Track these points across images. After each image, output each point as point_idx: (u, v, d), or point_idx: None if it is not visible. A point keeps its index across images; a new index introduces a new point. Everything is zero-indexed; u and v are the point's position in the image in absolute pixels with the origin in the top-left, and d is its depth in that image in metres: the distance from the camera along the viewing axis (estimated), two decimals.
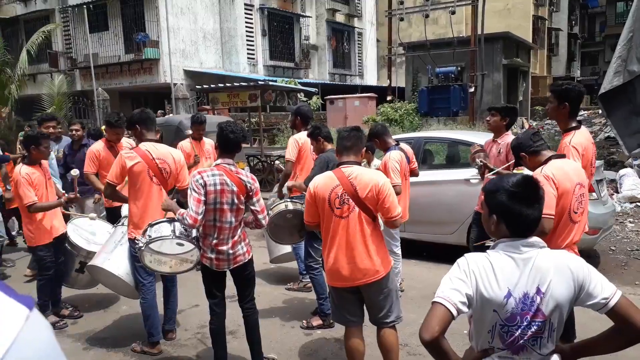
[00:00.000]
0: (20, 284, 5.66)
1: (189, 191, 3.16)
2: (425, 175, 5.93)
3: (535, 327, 1.64)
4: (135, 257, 3.68)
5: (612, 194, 8.06)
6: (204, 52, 20.23)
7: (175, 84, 17.83)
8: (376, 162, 5.28)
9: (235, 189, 3.20)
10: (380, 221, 3.12)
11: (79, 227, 4.65)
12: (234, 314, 3.84)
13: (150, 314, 3.81)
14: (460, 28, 21.95)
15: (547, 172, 2.82)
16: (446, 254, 5.85)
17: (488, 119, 4.61)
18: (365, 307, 3.17)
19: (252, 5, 21.08)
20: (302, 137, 4.77)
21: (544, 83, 24.75)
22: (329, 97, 16.94)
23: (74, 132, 5.90)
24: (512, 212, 1.69)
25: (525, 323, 1.64)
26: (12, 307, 0.71)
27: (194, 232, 3.38)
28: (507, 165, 4.10)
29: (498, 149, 4.47)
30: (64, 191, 5.28)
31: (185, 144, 6.02)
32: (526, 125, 18.10)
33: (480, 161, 4.19)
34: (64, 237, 4.50)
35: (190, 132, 6.36)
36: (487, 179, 4.47)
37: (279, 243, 4.61)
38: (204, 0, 20.08)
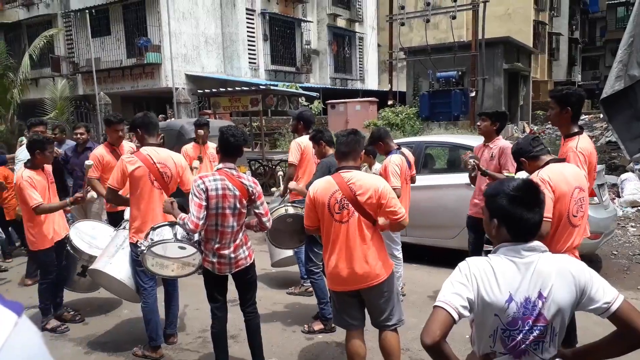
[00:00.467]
0: (22, 287, 5.66)
1: (190, 196, 3.16)
2: (427, 179, 5.94)
3: (537, 332, 1.64)
4: (136, 261, 3.69)
5: (614, 199, 8.05)
6: (206, 57, 20.29)
7: (177, 89, 17.87)
8: (377, 166, 5.29)
9: (237, 193, 3.20)
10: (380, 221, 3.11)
11: (81, 231, 4.66)
12: (235, 318, 3.84)
13: (151, 318, 3.81)
14: (461, 33, 21.99)
15: (543, 176, 2.83)
16: (447, 258, 5.86)
17: (479, 124, 4.66)
18: (366, 311, 3.17)
19: (254, 10, 21.15)
20: (304, 141, 4.81)
21: (545, 88, 24.75)
22: (330, 101, 16.96)
23: (78, 135, 5.91)
24: (513, 216, 1.69)
25: (527, 327, 1.64)
26: (1, 313, 0.71)
27: (196, 236, 3.39)
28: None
29: (490, 153, 4.52)
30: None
31: (189, 148, 6.04)
32: (527, 130, 18.12)
33: (473, 161, 4.22)
34: (65, 241, 4.50)
35: (193, 135, 6.37)
36: (479, 180, 4.50)
37: (279, 247, 4.62)
38: (205, 5, 20.15)
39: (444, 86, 17.04)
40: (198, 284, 3.63)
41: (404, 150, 4.89)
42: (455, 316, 1.59)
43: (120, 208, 4.96)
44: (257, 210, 3.34)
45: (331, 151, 4.20)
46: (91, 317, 4.76)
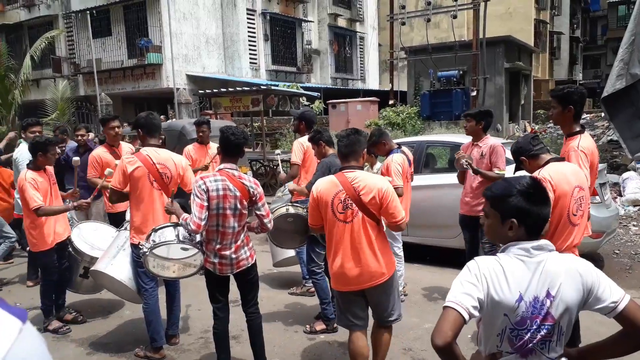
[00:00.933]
0: (24, 288, 5.67)
1: (192, 197, 3.16)
2: (428, 179, 5.93)
3: (544, 331, 1.64)
4: (137, 262, 3.69)
5: (616, 197, 8.04)
6: (207, 57, 20.29)
7: (178, 89, 17.89)
8: (378, 165, 5.28)
9: (238, 194, 3.20)
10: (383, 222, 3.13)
11: (83, 233, 4.66)
12: (237, 319, 3.84)
13: (153, 319, 3.81)
14: (462, 32, 21.97)
15: (544, 174, 2.83)
16: (449, 258, 5.85)
17: (465, 125, 4.70)
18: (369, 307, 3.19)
19: (255, 10, 21.15)
20: (307, 141, 4.81)
21: (546, 86, 24.72)
22: (331, 101, 16.95)
23: (79, 137, 5.92)
24: (532, 214, 1.68)
25: (534, 327, 1.63)
26: (5, 319, 0.71)
27: (198, 237, 3.39)
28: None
29: (480, 152, 4.55)
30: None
31: (191, 148, 6.04)
32: (528, 129, 18.09)
33: (466, 161, 4.24)
34: (67, 243, 4.50)
35: (194, 136, 6.37)
36: (469, 178, 4.50)
37: (280, 247, 4.64)
38: (206, 6, 20.16)
39: (445, 85, 17.02)
40: (200, 284, 3.64)
41: (404, 149, 4.91)
42: (466, 316, 1.58)
43: (120, 209, 4.97)
44: (258, 212, 3.34)
45: (331, 151, 4.21)
46: (93, 318, 4.76)
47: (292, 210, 4.20)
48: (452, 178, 5.90)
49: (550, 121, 7.81)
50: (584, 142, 3.19)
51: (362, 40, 27.32)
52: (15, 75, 15.39)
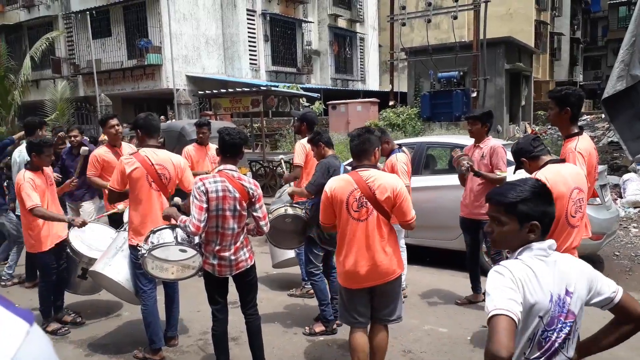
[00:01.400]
0: (22, 290, 5.66)
1: (191, 198, 3.15)
2: (428, 180, 5.92)
3: (567, 329, 1.65)
4: (135, 263, 3.67)
5: (616, 199, 8.03)
6: (207, 58, 20.30)
7: (177, 90, 17.88)
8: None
9: (237, 195, 3.19)
10: None
11: (81, 233, 4.65)
12: (236, 320, 3.83)
13: (151, 321, 3.79)
14: (462, 33, 21.99)
15: (540, 176, 2.81)
16: (449, 260, 5.84)
17: (469, 127, 4.64)
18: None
19: (255, 11, 21.15)
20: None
21: (547, 88, 24.72)
22: (331, 102, 16.95)
23: (72, 138, 5.91)
24: (548, 214, 1.72)
25: (560, 325, 1.64)
26: (13, 322, 0.71)
27: (197, 239, 3.38)
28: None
29: (481, 153, 4.53)
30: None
31: (190, 149, 6.04)
32: (529, 130, 18.08)
33: (467, 163, 4.22)
34: (65, 244, 4.49)
35: (194, 137, 6.38)
36: (470, 180, 4.49)
37: (277, 247, 4.69)
38: (206, 6, 20.16)
39: (445, 86, 17.01)
40: (199, 286, 3.63)
41: (404, 149, 4.94)
42: (518, 323, 1.51)
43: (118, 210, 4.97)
44: (255, 213, 3.33)
45: (330, 152, 4.22)
46: (92, 320, 4.75)
47: (290, 211, 4.20)
48: (452, 179, 5.89)
49: (549, 123, 7.80)
50: (581, 144, 3.18)
51: (362, 41, 27.33)
52: (14, 75, 15.41)
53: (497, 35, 17.86)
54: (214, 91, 11.94)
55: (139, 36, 19.18)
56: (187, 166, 4.06)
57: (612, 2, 41.07)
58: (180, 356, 3.99)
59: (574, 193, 2.87)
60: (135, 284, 3.83)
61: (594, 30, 44.83)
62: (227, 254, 3.25)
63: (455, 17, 16.06)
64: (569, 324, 1.65)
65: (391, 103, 17.07)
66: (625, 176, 8.61)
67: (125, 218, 4.26)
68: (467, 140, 6.57)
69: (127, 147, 5.28)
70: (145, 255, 3.37)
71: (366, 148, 3.11)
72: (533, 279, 1.61)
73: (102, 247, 4.31)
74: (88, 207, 5.89)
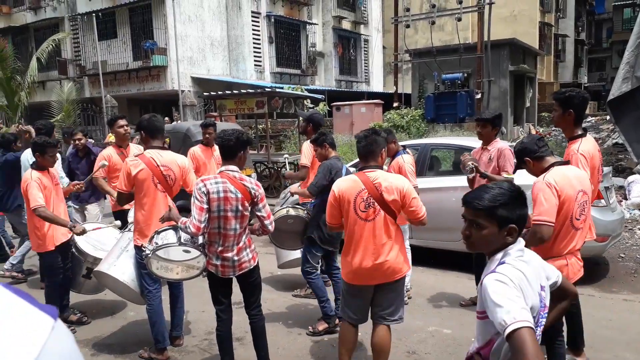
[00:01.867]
0: (27, 289, 5.69)
1: (192, 199, 3.16)
2: (432, 181, 5.93)
3: (543, 321, 1.72)
4: (141, 264, 3.69)
5: (621, 201, 8.00)
6: (212, 59, 20.36)
7: (182, 91, 17.94)
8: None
9: (239, 195, 3.20)
10: None
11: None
12: (240, 321, 3.84)
13: (157, 321, 3.81)
14: (467, 34, 21.97)
15: (549, 180, 2.81)
16: (453, 261, 5.84)
17: (479, 130, 4.61)
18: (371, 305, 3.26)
19: (259, 13, 21.21)
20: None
21: (551, 89, 24.65)
22: (335, 103, 16.96)
23: (76, 141, 5.93)
24: (524, 216, 1.79)
25: (541, 320, 1.70)
26: (39, 317, 0.72)
27: (200, 239, 3.39)
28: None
29: (488, 156, 4.50)
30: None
31: (196, 150, 6.06)
32: (533, 132, 18.04)
33: (472, 164, 4.21)
34: (70, 243, 4.52)
35: (199, 138, 6.40)
36: (478, 182, 4.48)
37: (280, 247, 4.75)
38: (211, 8, 20.23)
39: (449, 88, 16.98)
40: (203, 286, 3.64)
41: (408, 150, 4.97)
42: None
43: (125, 207, 4.99)
44: (259, 213, 3.34)
45: (333, 153, 4.23)
46: (97, 319, 4.78)
47: (292, 212, 4.22)
48: (456, 181, 5.90)
49: (553, 125, 7.78)
50: (585, 146, 3.17)
51: (367, 42, 27.33)
52: (21, 77, 15.51)
53: (502, 37, 17.85)
54: (219, 93, 11.98)
55: (145, 38, 19.27)
56: (191, 168, 4.09)
57: (616, 3, 40.92)
58: (185, 356, 4.01)
59: (579, 196, 2.87)
60: (140, 283, 3.85)
61: (598, 31, 44.70)
62: (229, 254, 3.27)
63: (459, 19, 16.05)
64: (544, 316, 1.71)
65: (395, 104, 17.07)
66: (630, 178, 8.58)
67: (130, 218, 4.29)
68: (471, 142, 6.58)
69: (134, 149, 5.30)
70: (150, 255, 3.39)
71: (373, 149, 3.15)
72: (526, 282, 1.66)
73: (106, 246, 4.34)
74: (93, 210, 5.91)
